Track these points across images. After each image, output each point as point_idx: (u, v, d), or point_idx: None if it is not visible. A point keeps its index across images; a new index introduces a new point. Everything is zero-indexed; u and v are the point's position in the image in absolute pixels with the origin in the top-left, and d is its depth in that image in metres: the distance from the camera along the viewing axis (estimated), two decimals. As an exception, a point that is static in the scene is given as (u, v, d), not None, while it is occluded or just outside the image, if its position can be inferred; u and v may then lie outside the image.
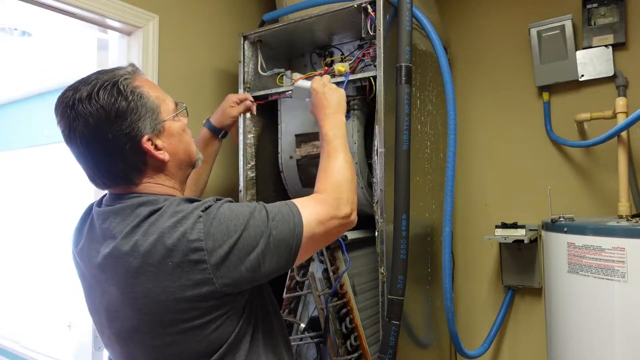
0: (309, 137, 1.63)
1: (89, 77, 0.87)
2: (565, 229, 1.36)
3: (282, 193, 1.77)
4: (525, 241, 1.61)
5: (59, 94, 0.87)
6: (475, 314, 2.01)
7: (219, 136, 1.42)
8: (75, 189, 3.01)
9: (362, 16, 1.42)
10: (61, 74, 3.25)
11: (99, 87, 0.83)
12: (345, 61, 1.57)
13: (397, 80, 1.33)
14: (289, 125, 1.69)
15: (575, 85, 1.79)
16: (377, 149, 1.36)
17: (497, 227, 1.67)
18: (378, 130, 1.35)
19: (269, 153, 1.77)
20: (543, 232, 1.54)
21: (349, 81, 1.42)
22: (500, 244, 1.90)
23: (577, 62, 1.74)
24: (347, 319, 1.38)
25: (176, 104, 0.95)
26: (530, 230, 1.71)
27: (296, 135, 1.65)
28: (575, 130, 1.80)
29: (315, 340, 1.42)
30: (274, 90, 1.63)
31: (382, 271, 1.32)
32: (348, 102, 1.30)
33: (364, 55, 1.52)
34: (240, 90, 1.67)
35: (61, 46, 2.80)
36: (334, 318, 1.39)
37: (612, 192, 1.69)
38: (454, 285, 1.61)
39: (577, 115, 1.72)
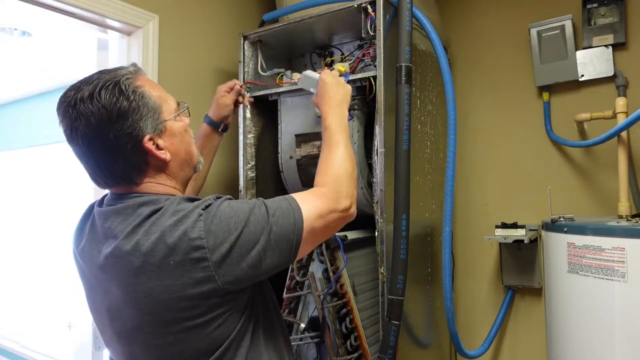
0: (309, 137, 1.63)
1: (90, 76, 0.87)
2: (565, 229, 1.36)
3: (282, 193, 1.74)
4: (525, 241, 1.61)
5: (59, 94, 0.87)
6: (475, 314, 2.01)
7: (220, 130, 1.44)
8: (76, 189, 3.01)
9: (362, 16, 1.42)
10: (61, 74, 3.25)
11: (100, 86, 0.84)
12: (345, 61, 1.57)
13: (397, 80, 1.33)
14: (289, 125, 1.69)
15: (575, 85, 1.79)
16: (377, 149, 1.36)
17: (497, 227, 1.67)
18: (378, 130, 1.35)
19: (269, 153, 1.77)
20: (543, 232, 1.54)
21: (349, 81, 1.42)
22: (500, 244, 1.90)
23: (577, 62, 1.74)
24: (347, 319, 1.38)
25: (178, 104, 0.95)
26: (530, 230, 1.71)
27: (296, 135, 1.65)
28: (575, 130, 1.80)
29: (315, 340, 1.42)
30: (274, 90, 1.64)
31: (382, 271, 1.32)
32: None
33: (364, 55, 1.52)
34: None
35: (61, 46, 2.80)
36: (333, 318, 1.39)
37: (612, 192, 1.69)
38: (454, 285, 1.61)
39: (577, 115, 1.73)
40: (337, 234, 1.38)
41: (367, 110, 1.54)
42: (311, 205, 0.91)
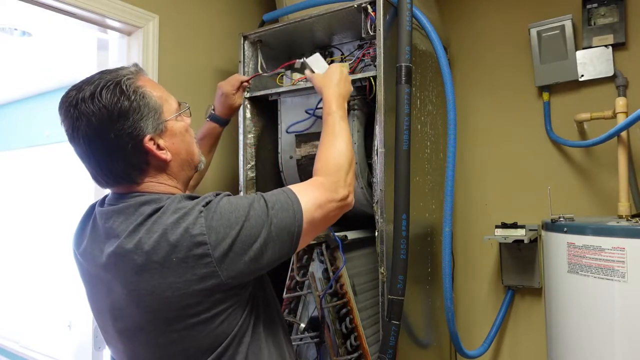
0: (309, 137, 1.63)
1: (92, 76, 0.87)
2: (565, 229, 1.36)
3: (282, 193, 1.76)
4: (525, 241, 1.61)
5: (59, 94, 0.88)
6: (475, 314, 2.01)
7: (224, 125, 1.47)
8: (76, 189, 3.01)
9: (362, 16, 1.43)
10: (61, 74, 3.25)
11: (102, 86, 0.84)
12: (345, 61, 1.58)
13: (397, 80, 1.33)
14: (289, 125, 1.69)
15: (575, 85, 1.79)
16: (377, 149, 1.36)
17: (497, 227, 1.67)
18: (378, 130, 1.35)
19: (269, 153, 1.77)
20: (543, 232, 1.54)
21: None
22: (500, 244, 1.90)
23: (577, 62, 1.74)
24: (347, 319, 1.38)
25: (179, 104, 0.96)
26: (530, 230, 1.71)
27: (296, 135, 1.65)
28: (575, 130, 1.80)
29: (315, 340, 1.42)
30: (274, 90, 1.64)
31: (382, 271, 1.32)
32: (348, 102, 1.30)
33: (364, 55, 1.52)
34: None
35: (61, 46, 2.80)
36: (333, 318, 1.39)
37: (612, 192, 1.69)
38: (454, 285, 1.61)
39: (577, 115, 1.73)
40: (337, 234, 1.38)
41: (367, 110, 1.54)
42: (310, 196, 0.93)
